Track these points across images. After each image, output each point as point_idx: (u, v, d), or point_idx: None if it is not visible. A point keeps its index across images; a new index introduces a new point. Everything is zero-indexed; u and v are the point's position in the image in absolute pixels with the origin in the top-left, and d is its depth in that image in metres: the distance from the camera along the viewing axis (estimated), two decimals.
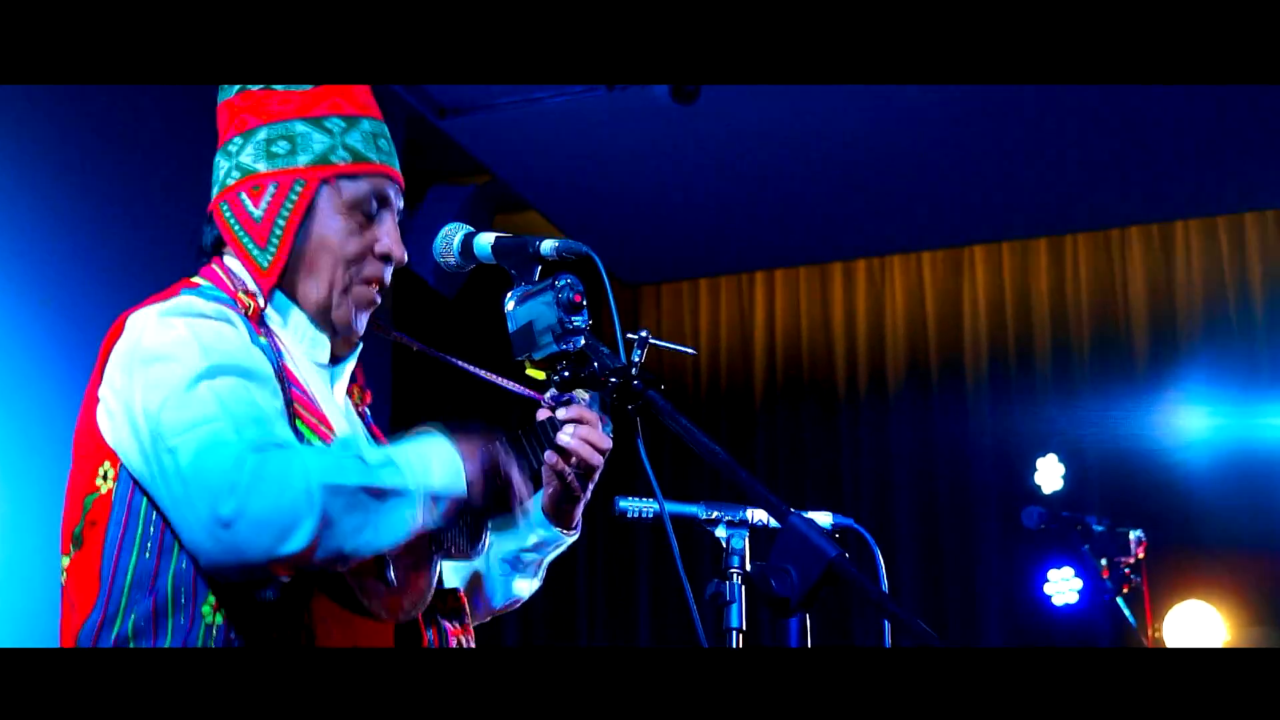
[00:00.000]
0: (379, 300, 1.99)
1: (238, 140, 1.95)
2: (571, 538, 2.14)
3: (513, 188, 5.75)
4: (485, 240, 1.87)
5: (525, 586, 2.18)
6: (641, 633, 6.32)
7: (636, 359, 1.70)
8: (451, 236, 1.91)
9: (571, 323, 1.69)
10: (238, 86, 1.98)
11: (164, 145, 4.00)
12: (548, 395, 2.05)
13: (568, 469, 2.01)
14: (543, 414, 2.05)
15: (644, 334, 1.74)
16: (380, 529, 1.71)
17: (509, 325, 1.74)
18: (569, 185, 5.71)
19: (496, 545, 2.15)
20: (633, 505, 2.31)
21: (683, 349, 1.99)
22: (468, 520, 1.97)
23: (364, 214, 1.94)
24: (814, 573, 1.44)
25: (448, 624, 1.94)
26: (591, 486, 2.07)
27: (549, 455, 2.00)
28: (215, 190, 1.96)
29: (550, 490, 2.08)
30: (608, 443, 2.02)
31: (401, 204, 2.01)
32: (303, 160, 1.91)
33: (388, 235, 1.96)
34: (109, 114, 3.92)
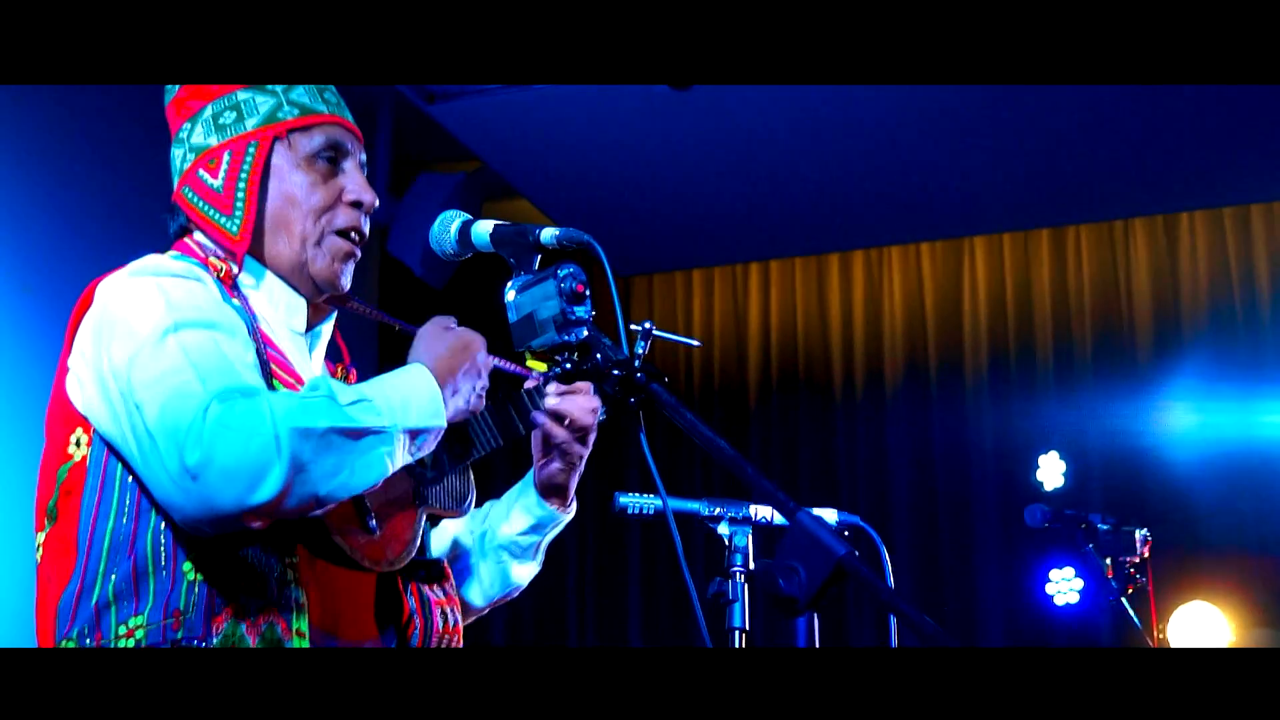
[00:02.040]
0: (358, 253, 1.99)
1: (186, 126, 1.98)
2: (567, 515, 2.15)
3: (502, 175, 5.73)
4: (483, 228, 1.87)
5: (525, 572, 2.19)
6: (632, 632, 6.31)
7: (640, 351, 1.69)
8: (449, 224, 1.90)
9: (574, 313, 1.67)
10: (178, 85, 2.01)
11: (153, 139, 4.01)
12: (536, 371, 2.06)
13: (560, 432, 2.03)
14: (529, 384, 2.08)
15: (647, 325, 1.74)
16: (356, 470, 1.71)
17: (509, 315, 1.73)
18: (560, 173, 5.70)
19: (491, 533, 2.16)
20: (633, 501, 2.31)
21: (688, 341, 1.99)
22: (454, 480, 1.99)
23: (325, 163, 1.96)
24: (823, 571, 1.43)
25: (430, 591, 1.95)
26: (585, 455, 2.10)
27: (538, 417, 2.02)
28: (175, 180, 1.99)
29: (542, 464, 2.10)
30: (596, 402, 2.04)
31: (363, 156, 2.02)
32: (251, 123, 1.94)
33: (354, 182, 1.98)
34: (99, 109, 3.92)
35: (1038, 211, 6.09)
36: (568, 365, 1.68)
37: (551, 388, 2.04)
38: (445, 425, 1.83)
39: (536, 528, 2.14)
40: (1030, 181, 5.76)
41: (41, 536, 1.82)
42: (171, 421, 1.66)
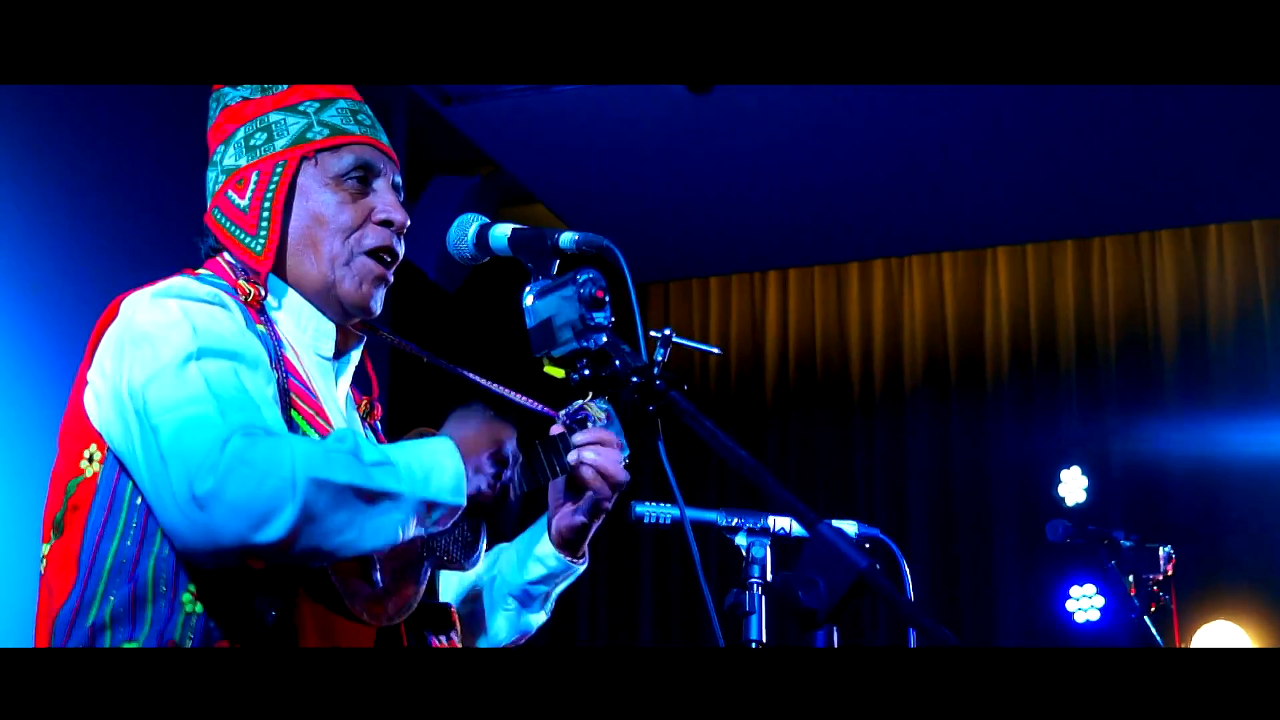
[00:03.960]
0: (390, 277, 1.99)
1: (220, 149, 1.99)
2: (581, 567, 2.14)
3: (518, 179, 5.74)
4: (502, 232, 1.87)
5: (534, 619, 2.19)
6: (643, 644, 6.30)
7: (659, 358, 1.69)
8: (466, 227, 1.90)
9: (593, 319, 1.67)
10: (222, 105, 2.02)
11: (165, 141, 4.03)
12: (562, 413, 2.05)
13: (600, 484, 2.03)
14: (555, 430, 2.06)
15: (667, 332, 1.74)
16: (365, 531, 1.71)
17: (527, 320, 1.73)
18: (576, 178, 5.71)
19: (501, 580, 2.16)
20: (650, 511, 2.31)
21: (707, 348, 1.99)
22: (464, 531, 1.98)
23: (354, 183, 1.96)
24: (843, 584, 1.43)
25: (434, 638, 1.94)
26: (603, 518, 2.09)
27: (554, 487, 2.02)
28: (208, 202, 1.99)
29: (563, 513, 2.09)
30: (625, 476, 2.05)
31: (397, 177, 2.02)
32: (280, 144, 1.95)
33: (384, 201, 1.97)
34: (114, 109, 3.95)
35: (1062, 222, 6.08)
36: (586, 372, 1.68)
37: (580, 437, 2.04)
38: (464, 504, 1.81)
39: (549, 578, 2.13)
40: (1055, 191, 5.75)
41: (47, 548, 1.82)
42: (187, 448, 1.66)
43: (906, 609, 1.47)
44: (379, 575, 1.82)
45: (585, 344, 1.67)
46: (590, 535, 2.11)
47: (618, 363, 1.65)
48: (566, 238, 1.78)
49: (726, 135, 5.31)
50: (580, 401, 2.10)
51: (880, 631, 6.00)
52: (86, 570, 1.76)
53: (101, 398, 1.79)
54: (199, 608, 1.73)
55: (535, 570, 2.12)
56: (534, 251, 1.80)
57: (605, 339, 1.67)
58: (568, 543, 2.10)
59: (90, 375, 1.82)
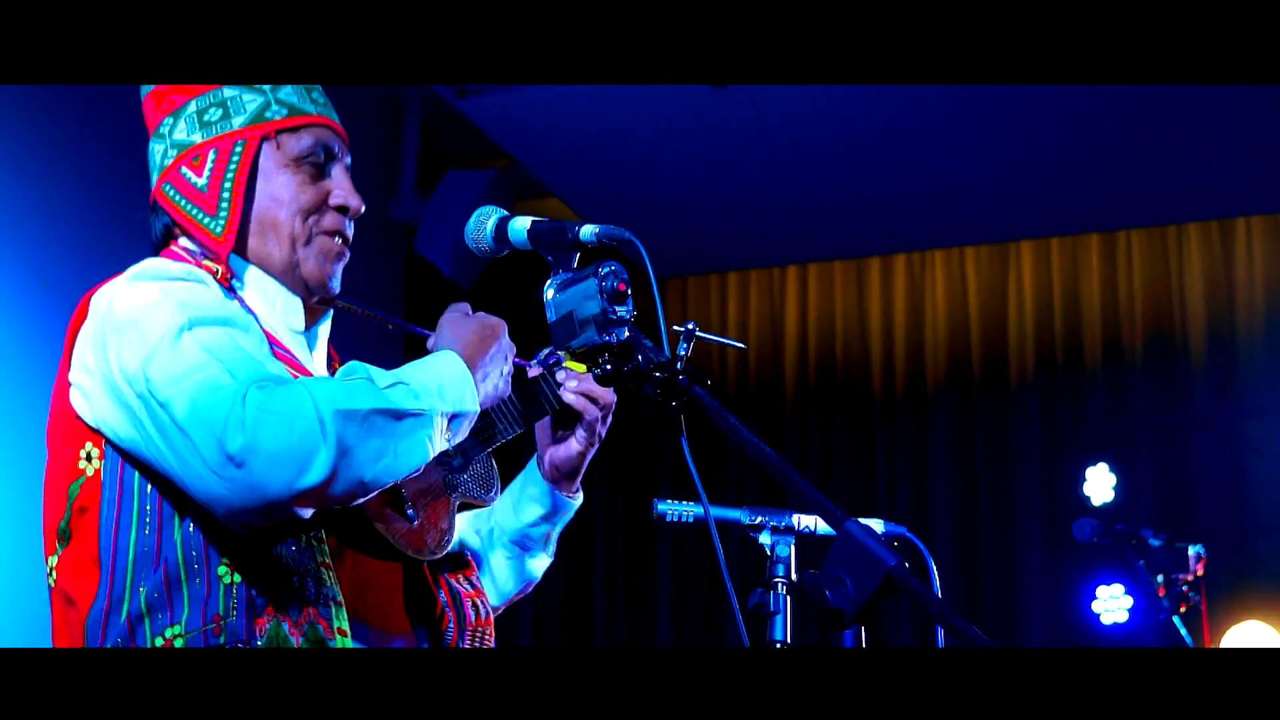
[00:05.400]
0: (347, 253, 2.01)
1: (168, 121, 1.98)
2: (577, 501, 2.18)
3: (534, 173, 5.74)
4: (521, 224, 1.87)
5: (539, 565, 2.21)
6: (660, 643, 6.30)
7: (682, 352, 1.69)
8: (485, 220, 1.90)
9: (615, 313, 1.67)
10: None
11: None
12: (535, 360, 2.09)
13: (593, 409, 2.09)
14: (533, 370, 2.12)
15: (691, 326, 1.74)
16: (399, 453, 1.73)
17: (548, 315, 1.73)
18: (593, 171, 5.70)
19: (499, 529, 2.19)
20: (672, 509, 2.30)
21: (732, 343, 1.99)
22: (479, 467, 2.05)
23: (312, 165, 1.97)
24: (872, 583, 1.43)
25: (458, 584, 1.97)
26: (596, 445, 2.13)
27: (570, 396, 2.08)
28: (154, 176, 1.98)
29: (557, 447, 2.14)
30: (612, 396, 2.09)
31: (349, 159, 2.04)
32: (238, 122, 1.95)
33: (340, 186, 1.99)
34: (121, 104, 3.96)
35: (1087, 215, 6.05)
36: (608, 366, 1.67)
37: (561, 375, 2.09)
38: (479, 409, 1.87)
39: (547, 517, 2.17)
40: (1079, 184, 5.72)
41: (54, 560, 1.82)
42: (206, 413, 1.66)
43: (937, 608, 1.47)
44: (412, 510, 1.87)
45: (607, 338, 1.67)
46: (585, 465, 2.16)
47: (640, 357, 1.65)
48: (587, 230, 1.77)
49: (745, 127, 5.30)
50: (547, 348, 2.14)
51: (904, 632, 5.99)
52: (110, 568, 1.75)
53: (91, 393, 1.79)
54: (238, 577, 1.74)
55: (532, 512, 2.16)
56: (554, 244, 1.80)
57: (627, 333, 1.67)
58: (564, 475, 2.15)
59: (73, 376, 1.82)
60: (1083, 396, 6.07)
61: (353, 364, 1.83)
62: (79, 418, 1.80)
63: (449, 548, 1.95)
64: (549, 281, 1.75)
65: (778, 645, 2.12)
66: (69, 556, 1.79)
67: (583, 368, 1.71)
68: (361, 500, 1.75)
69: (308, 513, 1.72)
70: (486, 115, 5.26)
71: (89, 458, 1.79)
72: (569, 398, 2.09)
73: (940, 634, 2.02)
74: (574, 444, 2.13)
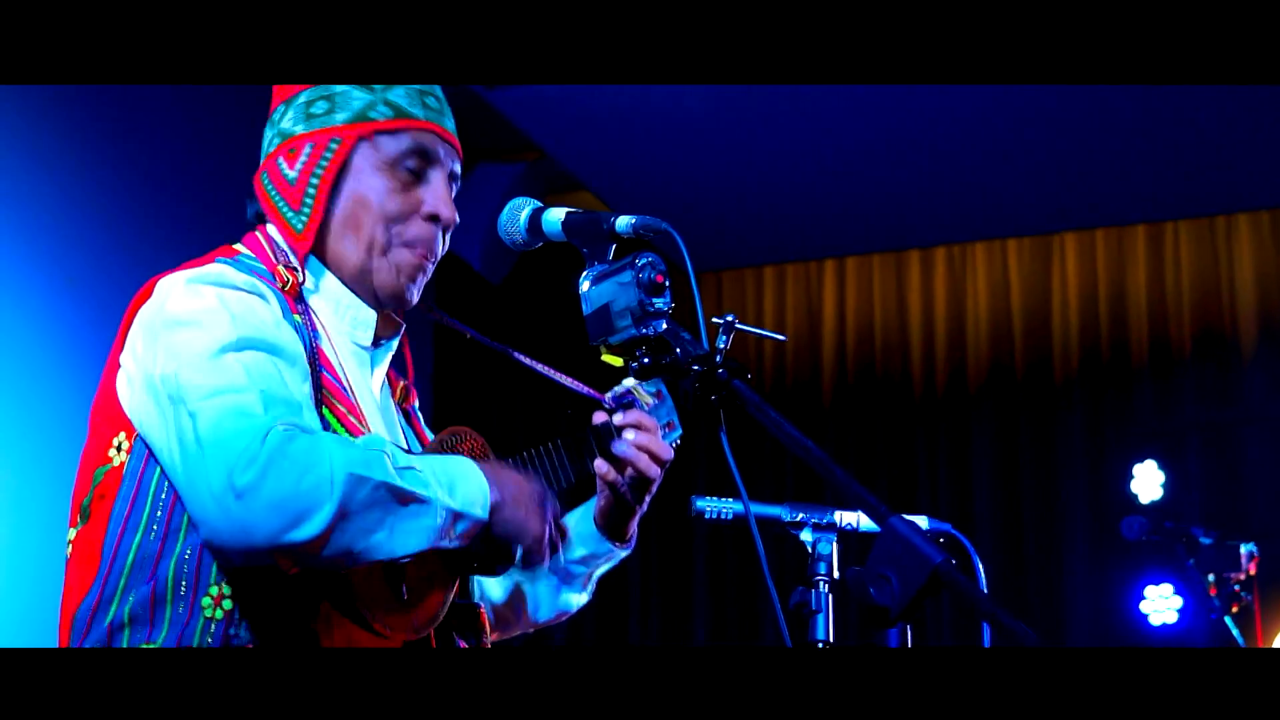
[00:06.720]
0: (428, 270, 1.98)
1: (280, 108, 1.98)
2: (624, 552, 2.13)
3: (565, 166, 5.74)
4: (555, 216, 1.86)
5: (575, 600, 2.18)
6: (696, 643, 6.30)
7: (721, 345, 1.68)
8: (518, 212, 1.89)
9: (652, 305, 1.66)
10: None
11: (203, 135, 4.08)
12: (608, 396, 2.04)
13: (620, 479, 2.01)
14: (599, 417, 2.05)
15: (730, 318, 1.73)
16: (396, 532, 1.71)
17: (584, 307, 1.71)
18: (625, 164, 5.70)
19: None
20: (711, 506, 2.29)
21: (772, 335, 1.97)
22: (491, 544, 1.94)
23: (408, 171, 1.94)
24: (917, 580, 1.41)
25: (462, 641, 1.93)
26: (648, 499, 2.07)
27: (600, 464, 2.00)
28: (260, 159, 1.98)
29: (602, 501, 2.07)
30: (668, 453, 2.03)
31: (457, 168, 2.01)
32: (340, 118, 1.93)
33: (435, 195, 1.96)
34: (146, 104, 4.00)
35: (1133, 205, 6.00)
36: (645, 360, 1.66)
37: (620, 418, 2.02)
38: (486, 520, 1.80)
39: (589, 559, 2.12)
40: (1125, 174, 5.68)
41: (73, 533, 1.83)
42: (227, 437, 1.66)
43: (985, 605, 1.45)
44: (405, 588, 1.81)
45: (644, 331, 1.66)
46: (636, 519, 2.09)
47: (678, 350, 1.64)
48: (623, 221, 1.76)
49: (780, 117, 5.29)
50: (628, 383, 2.09)
51: (945, 630, 5.96)
52: (109, 563, 1.77)
53: (134, 382, 1.79)
54: (218, 613, 1.73)
55: (579, 550, 2.11)
56: (589, 236, 1.79)
57: (665, 325, 1.66)
58: (611, 525, 2.09)
59: (123, 358, 1.82)
60: (1130, 391, 6.03)
61: (373, 437, 1.82)
62: (120, 403, 1.81)
63: (439, 623, 1.87)
64: (584, 274, 1.73)
65: (820, 645, 2.11)
66: (82, 538, 1.81)
67: (619, 361, 1.70)
68: (348, 566, 1.72)
69: (287, 566, 1.69)
70: (517, 107, 5.26)
71: (119, 448, 1.80)
72: (624, 450, 2.00)
73: (987, 633, 2.00)
74: (624, 499, 2.05)
